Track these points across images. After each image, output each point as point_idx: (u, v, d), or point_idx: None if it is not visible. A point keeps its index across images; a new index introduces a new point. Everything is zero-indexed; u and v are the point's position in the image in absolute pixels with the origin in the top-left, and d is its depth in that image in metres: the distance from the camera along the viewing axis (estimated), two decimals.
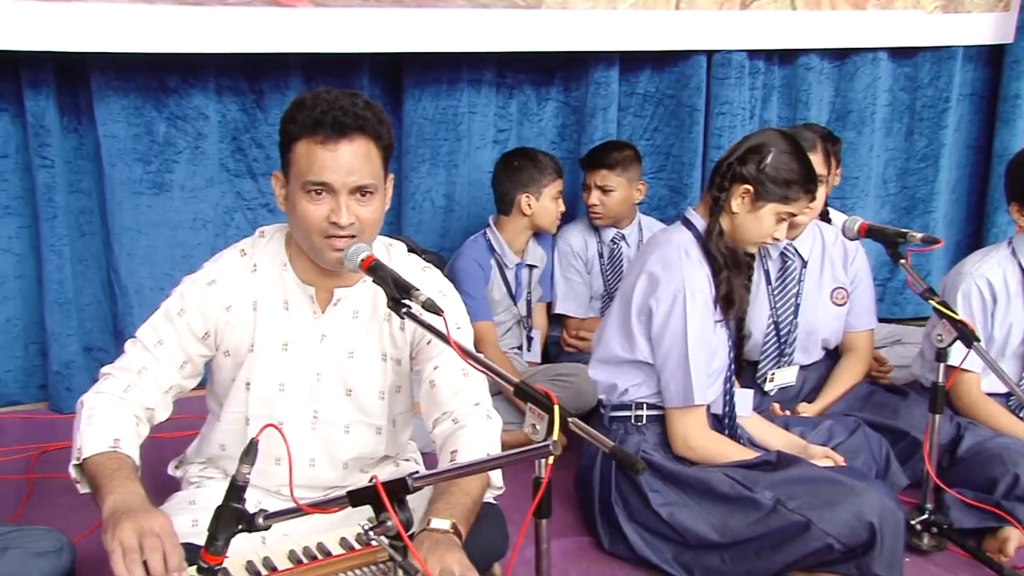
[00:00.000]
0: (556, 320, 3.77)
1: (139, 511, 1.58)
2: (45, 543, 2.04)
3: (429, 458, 2.36)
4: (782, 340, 2.88)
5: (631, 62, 3.94)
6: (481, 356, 1.62)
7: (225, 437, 2.04)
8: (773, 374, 2.90)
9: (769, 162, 2.35)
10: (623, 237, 3.68)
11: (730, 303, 2.41)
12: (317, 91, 1.84)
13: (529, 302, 3.56)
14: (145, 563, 1.50)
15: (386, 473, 2.13)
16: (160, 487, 2.02)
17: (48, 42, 3.03)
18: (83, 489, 1.80)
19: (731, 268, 2.41)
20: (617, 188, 3.55)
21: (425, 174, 3.77)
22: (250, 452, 1.41)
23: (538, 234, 3.57)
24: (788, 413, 2.84)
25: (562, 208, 3.49)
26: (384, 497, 1.25)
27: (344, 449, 2.03)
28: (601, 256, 3.68)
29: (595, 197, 3.58)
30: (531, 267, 3.56)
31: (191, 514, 1.91)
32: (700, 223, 2.46)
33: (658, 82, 4.02)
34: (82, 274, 3.48)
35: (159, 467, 2.21)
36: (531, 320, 3.59)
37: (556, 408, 1.44)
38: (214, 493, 1.99)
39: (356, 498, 1.33)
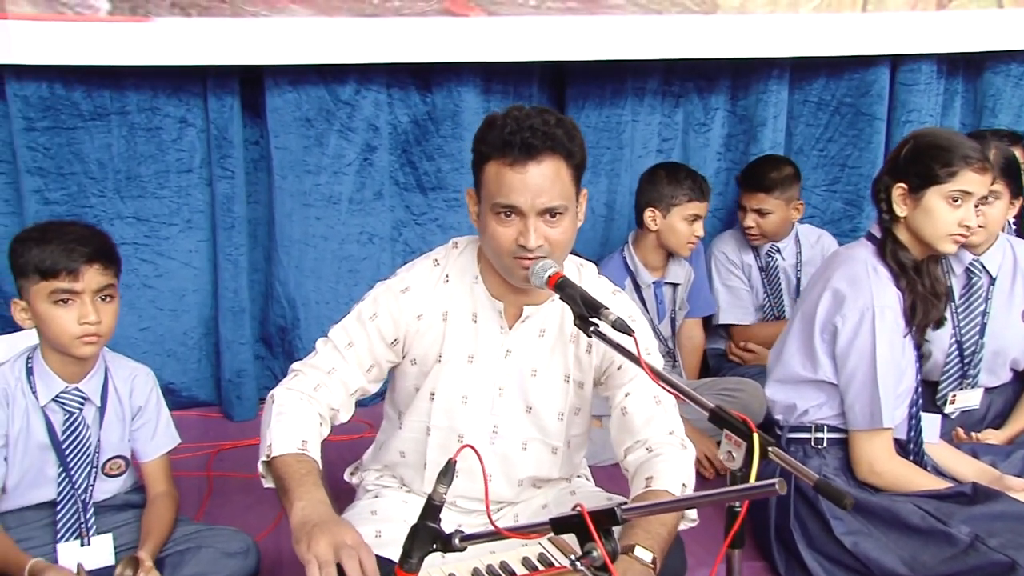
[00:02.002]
0: (715, 332, 3.66)
1: (330, 523, 1.60)
2: (234, 544, 2.14)
3: (597, 472, 2.35)
4: (966, 361, 2.73)
5: (803, 68, 3.80)
6: (675, 380, 1.57)
7: (405, 445, 2.06)
8: (955, 396, 2.74)
9: (908, 151, 2.29)
10: (778, 250, 3.55)
11: (913, 314, 2.29)
12: (509, 108, 1.84)
13: (674, 320, 3.43)
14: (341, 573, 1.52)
15: (557, 490, 2.11)
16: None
17: (233, 56, 3.15)
18: (267, 484, 1.83)
19: (911, 276, 2.30)
20: (775, 211, 3.42)
21: (586, 182, 3.70)
22: (448, 472, 1.41)
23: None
24: (975, 438, 2.68)
25: (698, 233, 3.26)
26: (592, 528, 1.22)
27: (520, 466, 2.03)
28: (762, 270, 3.57)
29: (751, 219, 3.46)
30: (673, 285, 3.39)
31: (374, 524, 1.93)
32: None
33: (834, 89, 3.85)
34: (254, 284, 3.56)
35: (326, 469, 2.23)
36: (675, 339, 3.45)
37: (755, 436, 1.38)
38: (393, 503, 2.04)
39: (560, 526, 1.30)
